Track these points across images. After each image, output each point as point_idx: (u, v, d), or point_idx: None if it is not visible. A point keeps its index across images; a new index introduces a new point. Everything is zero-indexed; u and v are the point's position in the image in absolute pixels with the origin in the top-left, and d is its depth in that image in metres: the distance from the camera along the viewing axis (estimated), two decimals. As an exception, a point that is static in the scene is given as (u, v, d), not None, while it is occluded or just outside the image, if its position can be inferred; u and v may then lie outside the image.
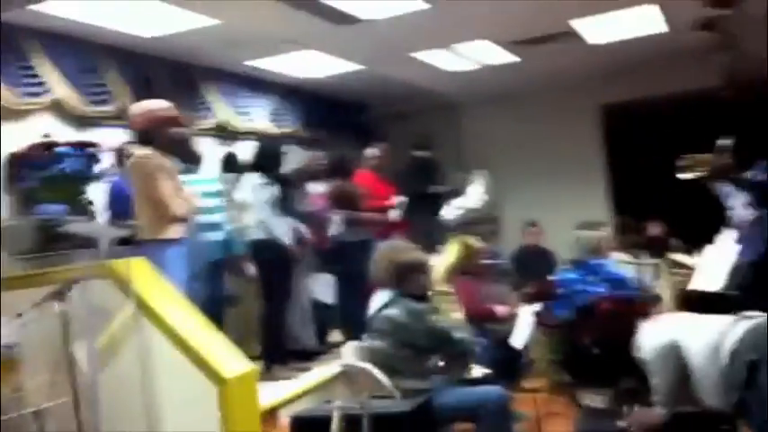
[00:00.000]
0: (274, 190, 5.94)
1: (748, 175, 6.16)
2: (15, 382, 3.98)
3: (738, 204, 6.16)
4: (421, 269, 4.41)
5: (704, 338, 3.46)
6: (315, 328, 6.45)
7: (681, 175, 6.14)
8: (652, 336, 3.63)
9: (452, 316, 4.49)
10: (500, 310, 5.79)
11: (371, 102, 10.71)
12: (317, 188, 7.07)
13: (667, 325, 3.68)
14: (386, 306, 4.30)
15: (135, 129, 4.97)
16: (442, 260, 4.77)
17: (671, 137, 11.13)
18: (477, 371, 4.79)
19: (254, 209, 5.86)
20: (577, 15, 7.35)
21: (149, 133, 4.84)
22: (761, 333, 3.31)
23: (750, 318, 3.45)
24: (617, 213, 9.38)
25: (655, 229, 8.19)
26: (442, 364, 4.36)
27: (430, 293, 4.46)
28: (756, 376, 3.23)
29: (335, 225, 6.85)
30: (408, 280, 4.36)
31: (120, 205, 5.54)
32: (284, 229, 5.94)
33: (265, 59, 7.78)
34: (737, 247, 4.98)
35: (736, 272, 5.46)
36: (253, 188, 5.93)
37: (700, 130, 10.39)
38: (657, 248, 7.24)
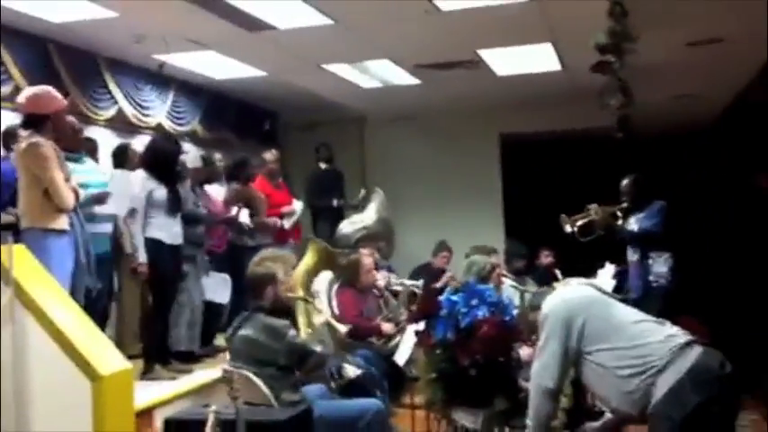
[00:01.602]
0: (162, 191, 5.74)
1: (631, 222, 6.51)
2: None
3: (628, 247, 6.50)
4: (271, 281, 4.31)
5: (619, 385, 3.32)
6: (200, 331, 6.36)
7: (565, 228, 6.47)
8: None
9: (315, 321, 4.48)
10: (386, 327, 5.87)
11: (277, 109, 10.71)
12: (214, 190, 7.02)
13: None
14: (241, 324, 4.24)
15: (22, 112, 4.82)
16: (299, 266, 4.76)
17: (564, 170, 11.56)
18: (351, 371, 4.85)
19: (139, 206, 5.66)
20: (481, 46, 7.55)
21: (36, 119, 4.68)
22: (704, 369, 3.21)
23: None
24: (508, 238, 9.61)
25: (546, 257, 8.43)
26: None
27: (285, 304, 4.43)
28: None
29: (239, 227, 6.82)
30: (260, 293, 4.29)
31: (5, 190, 5.38)
32: (175, 230, 5.81)
33: (170, 56, 7.68)
34: (612, 283, 5.22)
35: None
36: (142, 186, 5.70)
37: (592, 166, 10.88)
38: (545, 277, 7.46)
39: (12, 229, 4.71)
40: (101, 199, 5.29)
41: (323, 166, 9.12)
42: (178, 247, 5.85)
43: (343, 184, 9.24)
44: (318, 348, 4.17)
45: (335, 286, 5.92)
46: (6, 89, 6.39)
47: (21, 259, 4.04)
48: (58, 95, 4.87)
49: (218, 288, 6.50)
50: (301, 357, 4.15)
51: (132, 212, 5.63)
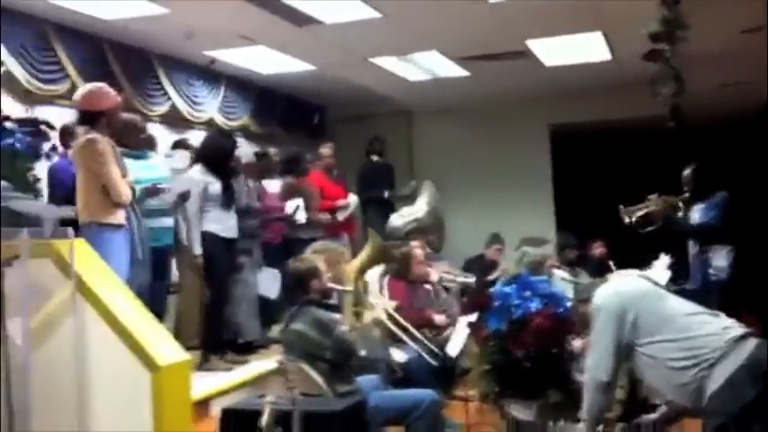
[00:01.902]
0: (218, 185, 5.86)
1: (692, 213, 6.41)
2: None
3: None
4: (313, 274, 4.39)
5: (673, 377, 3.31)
6: (259, 321, 6.45)
7: (624, 220, 6.38)
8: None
9: (365, 316, 4.51)
10: (438, 318, 5.88)
11: (325, 103, 10.77)
12: (269, 184, 7.10)
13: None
14: (293, 317, 4.30)
15: (77, 109, 4.90)
16: (356, 259, 4.79)
17: (615, 160, 11.44)
18: (399, 355, 4.84)
19: (195, 200, 5.77)
20: (529, 36, 7.51)
21: (92, 115, 4.77)
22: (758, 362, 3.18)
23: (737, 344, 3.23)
24: (559, 230, 9.56)
25: (598, 248, 8.36)
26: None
27: (333, 296, 4.47)
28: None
29: (292, 221, 6.89)
30: (306, 287, 4.36)
31: (60, 186, 5.49)
32: (230, 223, 5.91)
33: (220, 51, 7.77)
34: (668, 274, 5.16)
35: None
36: (195, 183, 5.82)
37: (643, 156, 10.71)
38: (598, 268, 7.38)
39: (71, 224, 4.80)
40: (154, 192, 5.37)
41: (374, 158, 9.26)
42: (233, 240, 5.95)
43: (393, 177, 9.34)
44: (363, 352, 4.21)
45: (386, 278, 5.95)
46: (63, 87, 6.52)
47: (81, 253, 4.11)
48: (112, 92, 4.94)
49: (268, 283, 6.56)
50: (346, 356, 4.20)
51: (184, 196, 5.68)
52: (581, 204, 10.40)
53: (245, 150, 6.87)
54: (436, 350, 5.32)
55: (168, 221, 5.77)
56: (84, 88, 4.98)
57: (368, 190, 8.90)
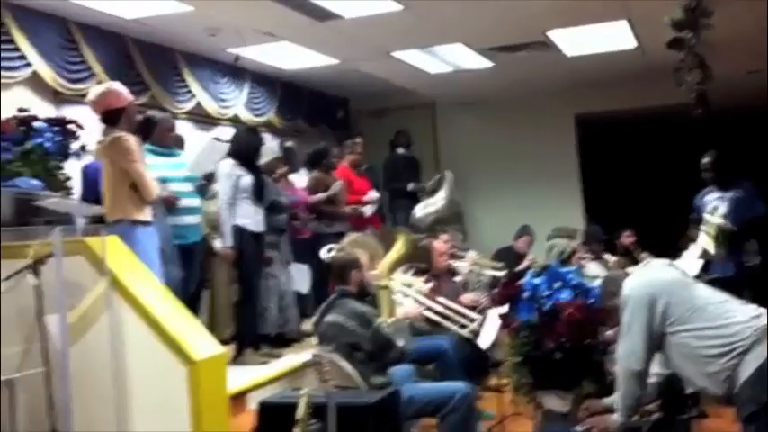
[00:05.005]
0: (249, 179, 5.92)
1: (711, 200, 6.37)
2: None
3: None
4: (354, 265, 4.43)
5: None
6: (295, 314, 6.49)
7: None
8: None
9: (397, 312, 4.52)
10: (466, 298, 5.87)
11: (349, 96, 10.79)
12: (295, 179, 7.14)
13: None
14: (328, 309, 4.33)
15: (99, 110, 4.89)
16: (388, 255, 4.80)
17: (642, 149, 11.38)
18: None
19: (225, 196, 5.85)
20: (553, 26, 7.48)
21: (113, 113, 4.81)
22: None
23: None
24: (588, 220, 9.55)
25: (627, 238, 8.35)
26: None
27: (371, 290, 4.49)
28: None
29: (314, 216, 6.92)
30: (345, 278, 4.39)
31: (93, 186, 5.53)
32: (258, 218, 5.96)
33: (243, 48, 7.80)
34: (699, 263, 5.14)
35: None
36: (227, 176, 5.90)
37: (670, 144, 10.64)
38: (628, 257, 7.37)
39: (101, 222, 4.85)
40: (171, 203, 5.45)
41: (400, 151, 9.33)
42: (261, 234, 6.01)
43: (419, 170, 9.41)
44: (401, 343, 4.23)
45: (410, 273, 5.94)
46: (90, 86, 6.53)
47: (113, 250, 4.16)
48: (125, 88, 4.98)
49: (298, 278, 6.60)
50: (383, 348, 4.21)
51: (209, 178, 5.73)
52: (609, 194, 10.36)
53: (274, 145, 6.88)
54: (469, 336, 5.32)
55: (194, 219, 5.82)
56: (97, 90, 4.99)
57: (393, 182, 8.97)
